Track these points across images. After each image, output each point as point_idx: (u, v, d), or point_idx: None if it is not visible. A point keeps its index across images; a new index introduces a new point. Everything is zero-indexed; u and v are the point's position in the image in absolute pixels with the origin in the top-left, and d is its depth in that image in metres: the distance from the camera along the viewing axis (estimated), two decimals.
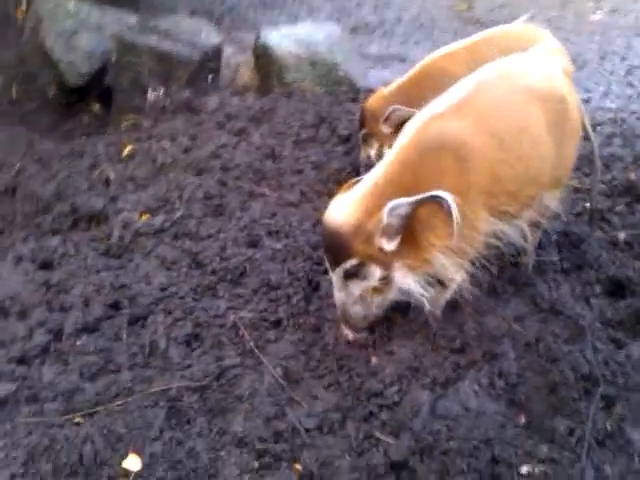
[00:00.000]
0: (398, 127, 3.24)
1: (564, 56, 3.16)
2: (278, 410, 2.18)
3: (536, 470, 1.98)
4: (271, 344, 2.44)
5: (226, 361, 2.34)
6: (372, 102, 3.53)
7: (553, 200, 2.63)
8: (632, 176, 3.43)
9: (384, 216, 2.20)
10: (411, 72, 3.47)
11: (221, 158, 3.66)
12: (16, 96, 5.02)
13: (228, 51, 5.38)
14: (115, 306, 2.57)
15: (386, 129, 3.37)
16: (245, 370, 2.32)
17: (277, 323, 2.54)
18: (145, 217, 3.12)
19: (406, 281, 2.36)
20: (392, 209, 2.20)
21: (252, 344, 2.42)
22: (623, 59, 5.87)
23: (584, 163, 3.27)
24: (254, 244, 2.95)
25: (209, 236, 2.98)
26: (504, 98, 2.46)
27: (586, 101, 4.59)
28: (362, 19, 6.96)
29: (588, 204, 3.14)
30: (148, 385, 2.24)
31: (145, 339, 2.42)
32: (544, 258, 2.82)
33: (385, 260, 2.30)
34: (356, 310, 2.36)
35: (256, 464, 2.01)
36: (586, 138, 2.79)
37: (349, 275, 2.30)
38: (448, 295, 2.45)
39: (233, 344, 2.43)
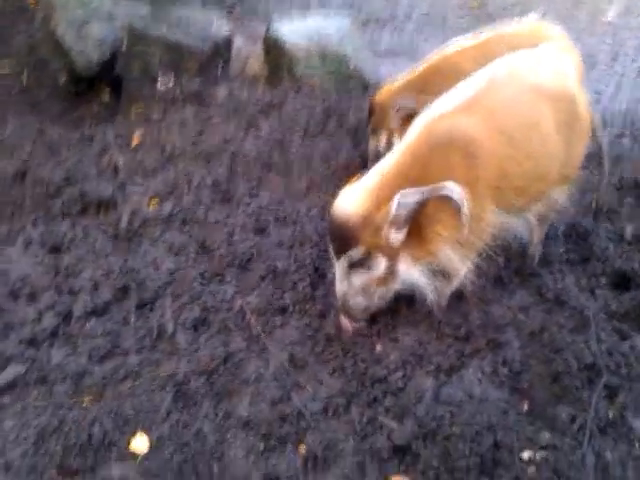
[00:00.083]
0: (406, 120, 3.26)
1: (575, 54, 3.17)
2: (283, 394, 2.20)
3: (537, 456, 2.00)
4: (277, 329, 2.47)
5: (232, 346, 2.37)
6: (381, 95, 3.54)
7: (561, 194, 2.64)
8: None
9: (393, 207, 2.22)
10: (420, 67, 3.48)
11: (230, 149, 3.67)
12: (27, 83, 5.03)
13: (238, 41, 5.38)
14: (124, 290, 2.60)
15: (394, 122, 3.38)
16: (251, 355, 2.35)
17: (283, 309, 2.56)
18: (154, 203, 3.14)
19: (411, 272, 2.38)
20: (401, 200, 2.22)
21: (258, 329, 2.44)
22: (634, 61, 5.85)
23: (593, 163, 3.27)
24: (261, 231, 2.97)
25: (217, 222, 3.00)
26: (514, 95, 2.47)
27: (596, 102, 4.58)
28: (373, 13, 6.94)
29: (596, 197, 3.15)
30: (155, 368, 2.27)
31: (153, 323, 2.45)
32: (551, 250, 2.83)
33: (391, 251, 2.32)
34: (357, 301, 2.38)
35: (261, 446, 2.04)
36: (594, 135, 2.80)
37: (354, 265, 2.32)
38: (453, 286, 2.47)
39: (240, 329, 2.46)
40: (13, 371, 2.23)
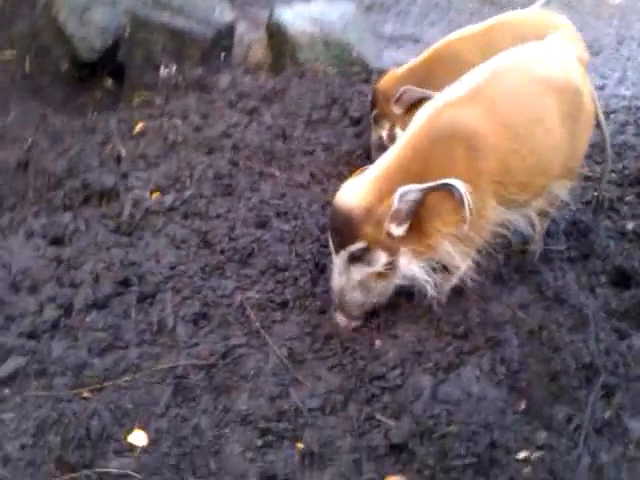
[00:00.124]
0: (409, 108, 3.25)
1: (580, 44, 3.14)
2: (282, 390, 2.21)
3: (533, 456, 2.01)
4: (277, 325, 2.47)
5: (232, 340, 2.38)
6: (384, 83, 3.52)
7: (563, 190, 2.63)
8: None
9: (394, 201, 2.22)
10: (424, 54, 3.46)
11: (232, 137, 3.67)
12: (29, 70, 5.01)
13: (241, 28, 5.35)
14: (125, 283, 2.60)
15: (397, 110, 3.37)
16: (250, 350, 2.35)
17: (283, 304, 2.57)
18: (156, 195, 3.14)
19: (411, 267, 2.38)
20: (403, 195, 2.22)
21: (258, 324, 2.45)
22: None
23: (596, 151, 3.26)
24: (263, 225, 2.97)
25: (218, 216, 3.00)
26: (518, 88, 2.45)
27: (601, 88, 4.55)
28: None
29: (597, 193, 3.14)
30: (155, 362, 2.28)
31: (153, 317, 2.46)
32: (551, 247, 2.83)
33: (392, 245, 2.32)
34: (354, 296, 2.38)
35: (259, 442, 2.05)
36: (598, 126, 2.79)
37: (354, 259, 2.32)
38: (453, 282, 2.47)
39: (239, 324, 2.47)
40: (14, 363, 2.24)
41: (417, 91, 3.18)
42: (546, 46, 2.65)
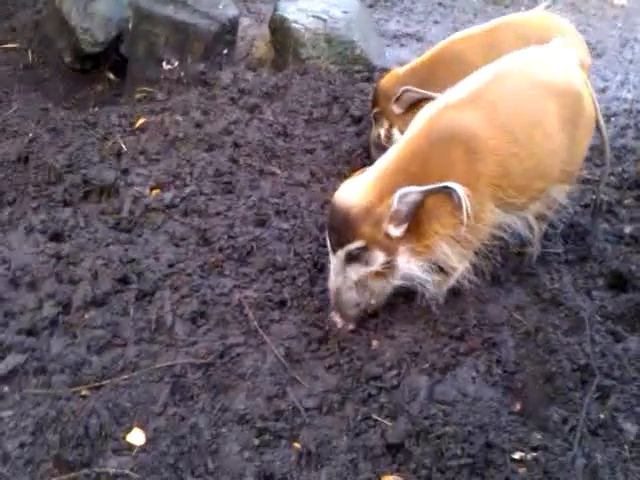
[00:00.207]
0: (409, 108, 3.26)
1: (582, 48, 3.15)
2: (279, 389, 2.23)
3: (528, 457, 2.03)
4: (275, 324, 2.49)
5: (230, 339, 2.39)
6: (385, 82, 3.53)
7: (561, 194, 2.64)
8: None
9: (394, 202, 2.24)
10: (426, 54, 3.47)
11: (233, 134, 3.67)
12: (32, 61, 5.02)
13: (245, 22, 5.35)
14: (123, 281, 2.61)
15: (397, 109, 3.38)
16: (248, 349, 2.37)
17: (281, 303, 2.58)
18: (155, 192, 3.15)
19: (409, 267, 2.40)
20: (402, 196, 2.24)
21: (256, 323, 2.46)
22: None
23: (595, 154, 3.26)
24: (262, 223, 2.98)
25: (218, 214, 3.01)
26: (519, 92, 2.46)
27: (602, 91, 4.55)
28: None
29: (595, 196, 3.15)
30: (153, 360, 2.29)
31: (152, 315, 2.47)
32: (549, 249, 2.84)
33: (390, 245, 2.34)
34: (350, 296, 2.39)
35: (256, 441, 2.07)
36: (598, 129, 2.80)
37: (351, 258, 2.33)
38: (450, 283, 2.49)
39: (237, 323, 2.48)
40: (13, 360, 2.24)
41: (417, 92, 3.19)
42: (548, 50, 2.66)
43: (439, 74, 3.17)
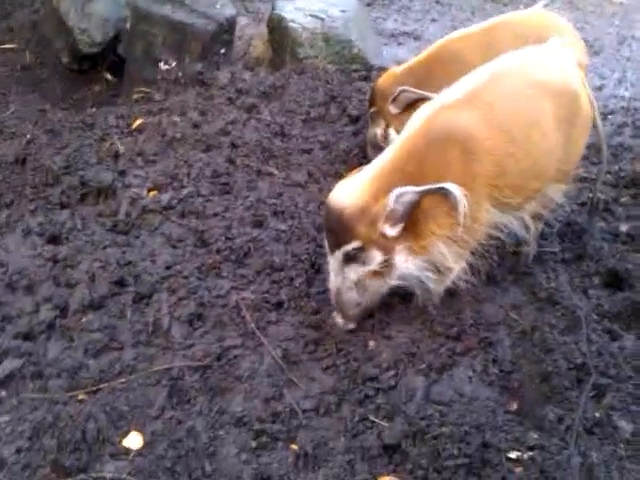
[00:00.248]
0: (406, 108, 3.26)
1: (580, 47, 3.15)
2: (276, 391, 2.23)
3: (524, 456, 2.03)
4: (272, 325, 2.49)
5: (227, 341, 2.39)
6: (383, 81, 3.53)
7: (558, 193, 2.65)
8: (639, 167, 3.42)
9: (389, 202, 2.24)
10: (424, 53, 3.47)
11: (230, 135, 3.67)
12: (29, 62, 5.02)
13: (242, 22, 5.35)
14: (120, 283, 2.61)
15: (394, 109, 3.38)
16: (245, 351, 2.37)
17: (279, 305, 2.59)
18: (153, 193, 3.16)
19: (406, 267, 2.40)
20: (398, 196, 2.24)
21: (253, 325, 2.46)
22: None
23: (592, 152, 3.26)
24: (259, 224, 2.99)
25: (215, 215, 3.02)
26: (516, 92, 2.46)
27: (599, 88, 4.55)
28: None
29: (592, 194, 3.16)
30: (150, 364, 2.30)
31: (149, 317, 2.47)
32: (545, 248, 2.85)
33: (387, 245, 2.34)
34: (351, 296, 2.39)
35: (254, 444, 2.07)
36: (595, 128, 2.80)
37: (349, 259, 2.34)
38: (447, 283, 2.49)
39: (235, 325, 2.48)
40: (9, 365, 2.24)
41: (414, 92, 3.18)
42: (546, 50, 2.66)
43: (436, 73, 3.17)
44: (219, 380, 2.26)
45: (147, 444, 2.04)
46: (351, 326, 2.45)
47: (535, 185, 2.51)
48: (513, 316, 2.49)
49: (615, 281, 2.69)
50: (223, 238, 2.86)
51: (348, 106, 4.09)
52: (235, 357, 2.34)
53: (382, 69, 4.22)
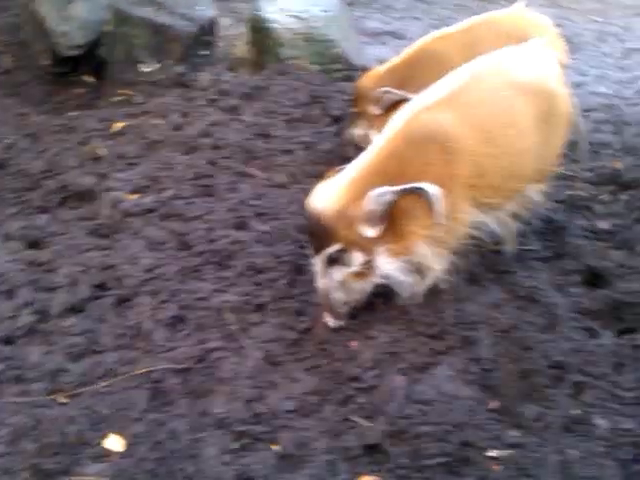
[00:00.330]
0: (388, 109, 3.26)
1: (560, 46, 3.17)
2: (258, 393, 2.23)
3: (504, 454, 2.04)
4: (254, 327, 2.49)
5: (209, 344, 2.39)
6: (365, 81, 3.53)
7: (537, 192, 2.67)
8: (618, 164, 3.46)
9: (367, 203, 2.25)
10: (405, 53, 3.47)
11: (212, 137, 3.67)
12: (9, 65, 4.98)
13: (224, 22, 5.34)
14: (102, 287, 2.61)
15: (375, 110, 3.38)
16: (227, 353, 2.37)
17: (261, 306, 2.58)
18: (134, 196, 3.15)
19: (387, 267, 2.41)
20: (375, 197, 2.25)
21: (235, 327, 2.47)
22: (621, 40, 5.84)
23: (571, 149, 3.28)
24: (241, 226, 2.98)
25: (197, 217, 3.01)
26: (494, 92, 2.48)
27: (578, 85, 4.57)
28: None
29: (571, 192, 3.18)
30: (132, 367, 2.29)
31: (130, 321, 2.47)
32: (525, 247, 2.87)
33: (367, 246, 2.35)
34: (338, 296, 2.41)
35: (235, 445, 2.07)
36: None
37: (332, 261, 2.35)
38: (428, 283, 2.50)
39: (216, 327, 2.48)
40: None
41: (396, 93, 3.19)
42: (526, 50, 2.68)
43: (418, 73, 3.18)
44: (201, 382, 2.26)
45: (129, 446, 2.03)
46: (341, 324, 2.46)
47: (514, 185, 2.53)
48: (493, 315, 2.50)
49: (594, 279, 2.71)
50: (205, 241, 2.86)
51: (330, 107, 4.09)
52: (217, 359, 2.34)
53: (365, 69, 4.21)
